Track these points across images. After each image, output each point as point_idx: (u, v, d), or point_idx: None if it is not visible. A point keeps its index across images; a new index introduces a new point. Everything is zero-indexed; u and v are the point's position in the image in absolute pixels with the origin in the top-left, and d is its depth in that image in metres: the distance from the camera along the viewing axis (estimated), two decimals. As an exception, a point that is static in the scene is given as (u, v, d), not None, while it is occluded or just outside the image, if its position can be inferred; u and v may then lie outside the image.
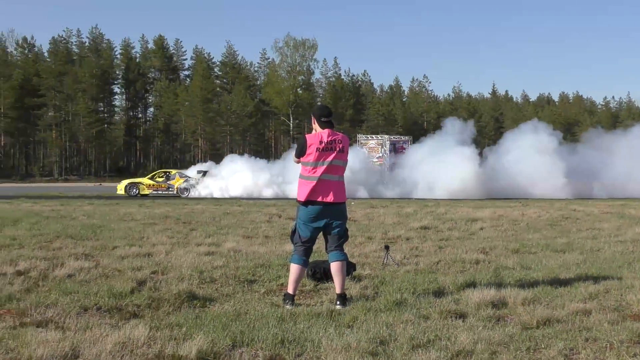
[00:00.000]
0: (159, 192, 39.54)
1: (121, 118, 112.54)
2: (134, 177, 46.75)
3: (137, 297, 7.64)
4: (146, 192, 39.23)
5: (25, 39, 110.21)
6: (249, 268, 9.75)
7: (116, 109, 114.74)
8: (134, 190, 38.90)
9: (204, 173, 41.49)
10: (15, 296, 7.62)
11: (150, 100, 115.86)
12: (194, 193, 39.50)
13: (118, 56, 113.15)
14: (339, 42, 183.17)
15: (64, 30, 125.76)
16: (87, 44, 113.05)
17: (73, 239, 13.37)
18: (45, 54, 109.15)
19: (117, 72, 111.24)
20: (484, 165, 43.29)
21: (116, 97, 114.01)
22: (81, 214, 20.70)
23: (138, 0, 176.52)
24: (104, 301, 7.42)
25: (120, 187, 39.43)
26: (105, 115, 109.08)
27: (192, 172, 42.54)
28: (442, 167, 40.32)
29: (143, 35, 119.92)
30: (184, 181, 40.46)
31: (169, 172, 42.15)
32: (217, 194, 39.15)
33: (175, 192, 39.65)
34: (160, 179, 40.68)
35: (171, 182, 40.31)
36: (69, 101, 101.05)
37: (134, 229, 15.90)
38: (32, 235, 13.92)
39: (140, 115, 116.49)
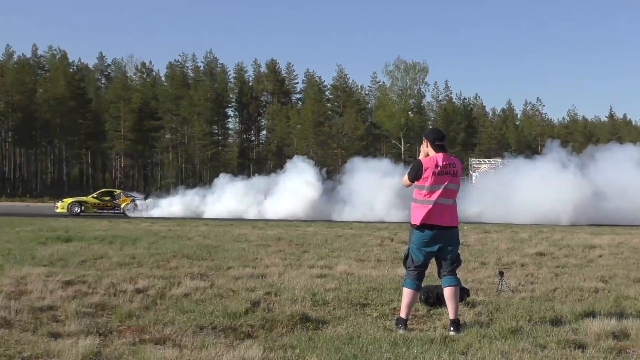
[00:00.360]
0: (105, 211, 40.23)
1: (235, 140, 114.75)
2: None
3: (251, 318, 7.72)
4: (91, 210, 39.91)
5: (143, 64, 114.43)
6: (361, 291, 9.72)
7: (230, 132, 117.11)
8: (76, 209, 39.28)
9: (148, 194, 44.69)
10: (135, 313, 7.83)
11: (262, 123, 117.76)
12: (140, 213, 40.18)
13: (232, 80, 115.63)
14: (450, 65, 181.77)
15: (180, 55, 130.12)
16: (202, 68, 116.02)
17: (189, 259, 13.65)
18: (163, 78, 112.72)
19: (231, 96, 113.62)
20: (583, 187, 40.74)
21: (230, 120, 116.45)
22: (197, 234, 21.15)
23: (251, 25, 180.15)
24: (219, 321, 7.53)
25: (63, 205, 39.77)
26: (220, 137, 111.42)
27: (135, 192, 45.17)
28: (528, 189, 38.55)
29: (256, 59, 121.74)
30: (131, 201, 41.47)
31: (114, 192, 43.36)
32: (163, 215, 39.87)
33: (121, 211, 40.30)
34: (106, 199, 41.41)
35: (117, 201, 41.08)
36: (184, 124, 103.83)
37: (248, 250, 16.11)
38: (150, 254, 14.30)
39: (253, 137, 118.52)
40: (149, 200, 42.28)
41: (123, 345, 6.39)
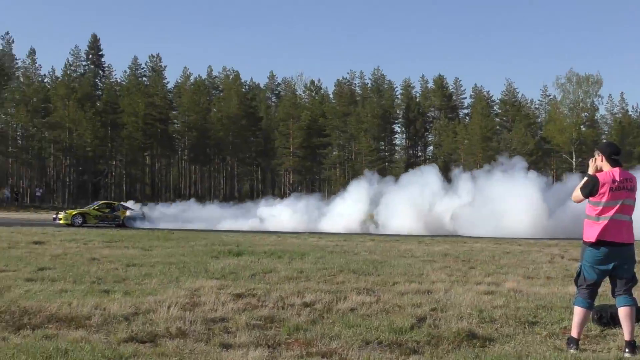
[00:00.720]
0: (105, 222, 41.25)
1: (401, 156, 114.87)
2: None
3: (417, 334, 7.68)
4: (93, 222, 40.78)
5: (312, 82, 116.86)
6: (529, 309, 9.48)
7: (396, 148, 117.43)
8: (78, 220, 40.20)
9: (143, 205, 46.92)
10: (302, 326, 7.97)
11: (429, 139, 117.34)
12: (140, 224, 41.32)
13: (399, 96, 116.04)
14: (626, 77, 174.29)
15: (347, 73, 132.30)
16: (369, 85, 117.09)
17: (355, 274, 13.74)
18: (331, 96, 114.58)
19: (398, 112, 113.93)
20: None
21: (397, 135, 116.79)
22: (363, 250, 21.28)
23: (418, 41, 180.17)
24: (385, 336, 7.53)
25: (66, 216, 40.56)
26: (386, 153, 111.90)
27: (130, 204, 46.79)
28: None
29: (423, 75, 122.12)
30: (129, 212, 42.84)
31: (113, 204, 44.63)
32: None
33: (120, 222, 41.34)
34: (106, 210, 42.46)
35: (117, 213, 42.25)
36: (352, 140, 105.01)
37: (414, 265, 16.05)
38: (317, 269, 14.51)
39: (420, 153, 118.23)
40: (135, 212, 44.11)
41: (291, 358, 6.53)
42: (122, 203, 45.79)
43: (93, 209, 42.50)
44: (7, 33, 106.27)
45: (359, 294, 10.70)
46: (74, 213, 41.40)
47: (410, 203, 40.71)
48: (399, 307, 9.51)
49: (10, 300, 9.39)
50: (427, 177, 43.94)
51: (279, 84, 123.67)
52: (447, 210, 40.81)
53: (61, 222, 39.68)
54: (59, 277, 12.25)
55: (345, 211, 42.59)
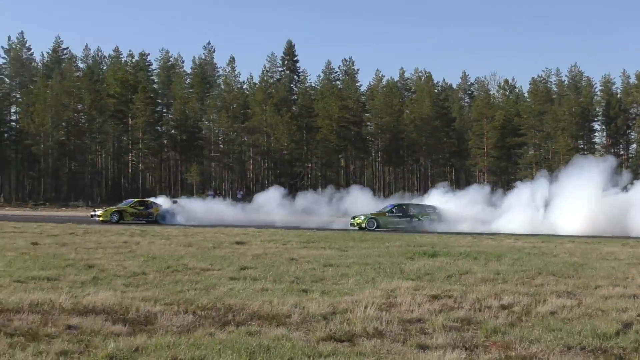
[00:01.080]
0: (140, 219, 41.99)
1: (602, 155, 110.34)
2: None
3: (623, 340, 7.37)
4: (129, 219, 41.61)
5: (506, 81, 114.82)
6: None
7: (596, 147, 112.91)
8: (115, 217, 41.26)
9: (176, 201, 46.99)
10: (500, 329, 7.84)
11: (632, 137, 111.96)
12: (172, 220, 42.22)
13: (598, 93, 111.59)
14: None
15: (543, 71, 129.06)
16: (566, 82, 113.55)
17: (554, 276, 13.35)
18: (525, 95, 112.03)
19: (597, 109, 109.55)
20: None
21: (596, 134, 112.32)
22: (562, 252, 20.62)
23: (618, 36, 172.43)
24: (588, 341, 7.28)
25: (105, 214, 41.63)
26: (585, 152, 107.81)
27: (160, 200, 46.66)
28: None
29: (624, 70, 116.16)
30: (162, 209, 43.73)
31: (146, 202, 46.04)
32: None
33: (154, 218, 42.54)
34: (141, 208, 43.81)
35: (150, 210, 43.48)
36: (548, 139, 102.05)
37: (618, 268, 15.39)
38: (514, 271, 14.22)
39: (622, 152, 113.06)
40: (167, 208, 44.48)
41: (489, 360, 6.43)
42: (154, 201, 47.09)
43: (129, 206, 44.15)
44: (209, 43, 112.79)
45: (559, 297, 10.40)
46: (112, 210, 43.26)
47: (581, 198, 38.13)
48: (603, 312, 9.15)
49: (215, 298, 9.83)
50: (599, 171, 41.35)
51: (472, 84, 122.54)
52: (626, 206, 38.39)
53: (100, 218, 41.42)
54: (260, 276, 12.69)
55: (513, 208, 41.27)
